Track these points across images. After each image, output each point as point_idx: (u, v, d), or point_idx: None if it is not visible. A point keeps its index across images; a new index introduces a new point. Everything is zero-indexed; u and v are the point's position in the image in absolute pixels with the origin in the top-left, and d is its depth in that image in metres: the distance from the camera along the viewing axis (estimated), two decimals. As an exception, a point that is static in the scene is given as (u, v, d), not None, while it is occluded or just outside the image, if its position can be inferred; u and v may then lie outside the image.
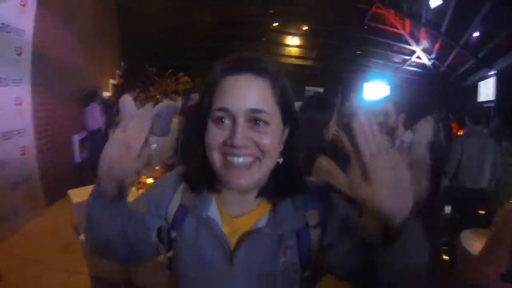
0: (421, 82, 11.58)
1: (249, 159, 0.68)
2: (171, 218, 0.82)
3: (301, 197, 0.77)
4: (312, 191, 0.78)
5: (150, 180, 3.80)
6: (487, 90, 8.52)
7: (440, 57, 10.15)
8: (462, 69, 9.74)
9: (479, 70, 8.90)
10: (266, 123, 0.68)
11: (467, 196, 3.35)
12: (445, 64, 10.19)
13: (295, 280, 0.76)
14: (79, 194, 3.94)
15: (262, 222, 0.76)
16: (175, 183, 0.85)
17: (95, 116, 5.89)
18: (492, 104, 7.86)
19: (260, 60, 0.71)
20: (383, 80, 10.88)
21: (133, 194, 3.75)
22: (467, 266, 1.68)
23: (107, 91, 8.13)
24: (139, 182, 3.83)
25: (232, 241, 0.76)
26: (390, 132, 2.31)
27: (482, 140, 3.33)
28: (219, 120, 0.68)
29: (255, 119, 0.67)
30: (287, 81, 0.75)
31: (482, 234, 2.41)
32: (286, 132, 0.76)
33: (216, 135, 0.69)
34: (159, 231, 0.84)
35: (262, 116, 0.67)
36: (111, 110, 6.85)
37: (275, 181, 0.76)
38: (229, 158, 0.68)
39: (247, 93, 0.67)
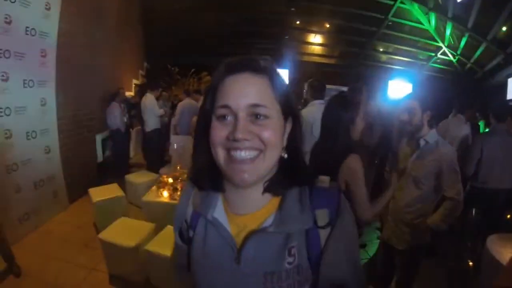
0: (446, 80, 11.22)
1: (252, 153, 0.71)
2: (189, 219, 0.87)
3: (309, 194, 0.78)
4: (322, 190, 0.79)
5: (170, 180, 3.83)
6: (515, 87, 8.24)
7: (466, 54, 9.84)
8: (490, 66, 9.41)
9: (507, 66, 8.61)
10: (266, 116, 0.71)
11: (490, 197, 3.27)
12: (472, 61, 9.86)
13: (302, 282, 0.75)
14: (99, 193, 4.06)
15: (268, 221, 0.77)
16: (189, 187, 0.90)
17: (114, 115, 6.00)
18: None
19: (258, 60, 0.75)
20: (407, 78, 10.65)
21: (153, 192, 3.80)
22: (495, 273, 1.61)
23: (131, 91, 8.26)
24: (160, 182, 3.87)
25: (240, 239, 0.78)
26: (415, 130, 2.24)
27: (505, 139, 3.24)
28: (222, 118, 0.72)
29: (255, 113, 0.71)
30: (286, 80, 0.79)
31: (509, 240, 2.34)
32: (288, 128, 0.79)
33: (219, 131, 0.72)
34: (181, 232, 0.91)
35: (262, 110, 0.71)
36: (133, 109, 6.95)
37: (280, 176, 0.78)
38: (232, 153, 0.71)
39: (247, 90, 0.72)
